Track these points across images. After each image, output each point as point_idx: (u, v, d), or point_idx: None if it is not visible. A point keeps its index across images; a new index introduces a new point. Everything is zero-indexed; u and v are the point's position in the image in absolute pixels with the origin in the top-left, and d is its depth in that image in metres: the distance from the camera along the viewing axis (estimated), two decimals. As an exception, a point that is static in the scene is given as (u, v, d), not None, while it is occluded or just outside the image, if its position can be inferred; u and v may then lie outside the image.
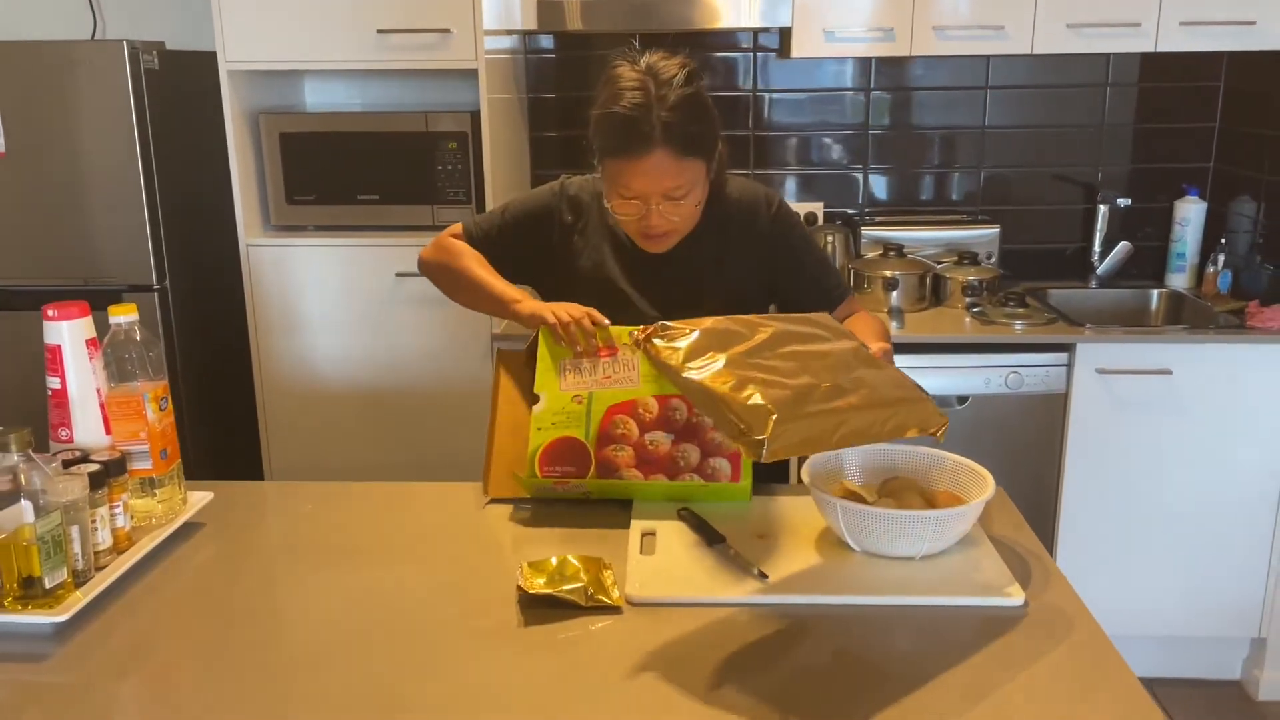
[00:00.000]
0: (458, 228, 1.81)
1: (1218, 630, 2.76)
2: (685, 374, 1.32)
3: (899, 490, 1.50)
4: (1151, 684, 2.84)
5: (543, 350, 1.60)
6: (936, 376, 2.61)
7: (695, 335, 1.38)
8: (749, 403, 1.25)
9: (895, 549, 1.41)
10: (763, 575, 1.37)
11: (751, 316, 1.46)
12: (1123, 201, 3.00)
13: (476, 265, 1.74)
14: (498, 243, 1.77)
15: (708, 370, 1.32)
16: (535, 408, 1.59)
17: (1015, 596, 1.33)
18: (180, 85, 2.65)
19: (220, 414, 2.84)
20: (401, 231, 2.72)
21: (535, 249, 1.77)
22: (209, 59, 2.60)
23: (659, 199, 1.59)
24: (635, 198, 1.60)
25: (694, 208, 1.63)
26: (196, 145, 2.71)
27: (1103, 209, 3.05)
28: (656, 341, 1.39)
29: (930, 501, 1.47)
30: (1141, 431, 2.62)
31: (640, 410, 1.59)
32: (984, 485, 1.47)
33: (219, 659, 1.23)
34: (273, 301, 2.70)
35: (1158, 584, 2.72)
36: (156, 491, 1.50)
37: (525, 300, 1.66)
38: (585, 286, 1.71)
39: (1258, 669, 2.77)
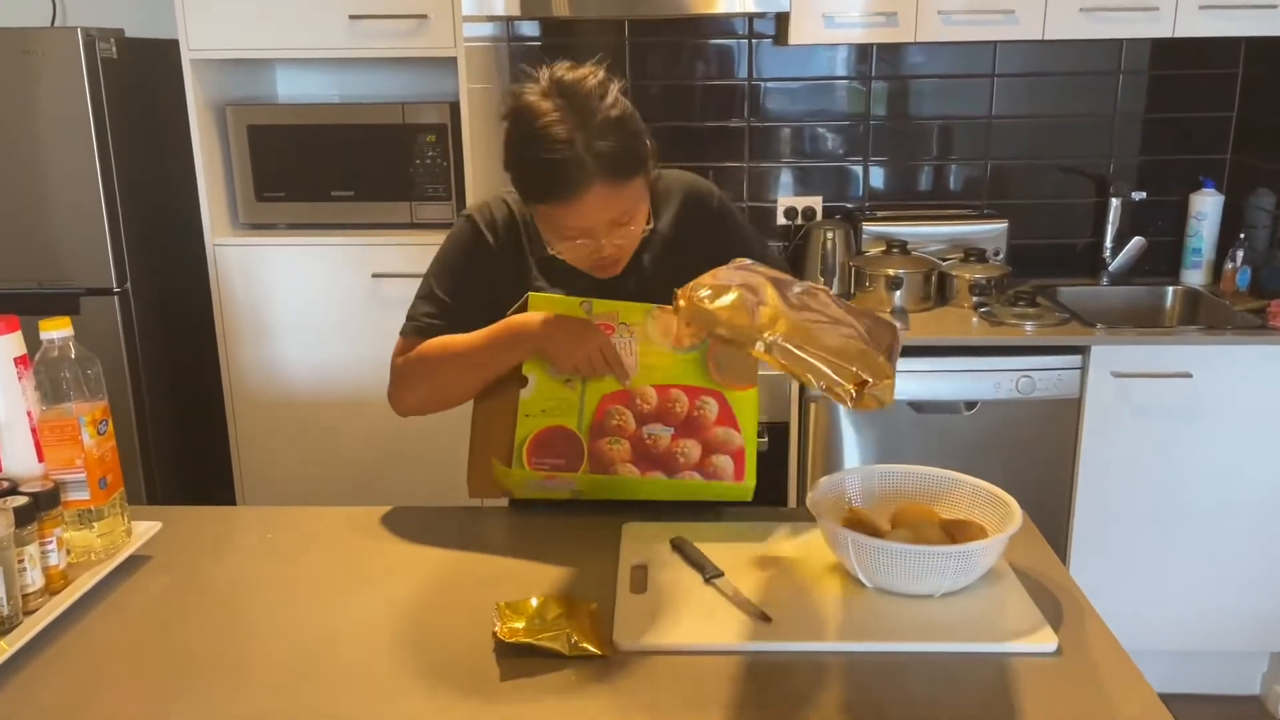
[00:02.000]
0: (399, 344, 1.57)
1: (1237, 644, 2.64)
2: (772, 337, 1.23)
3: (914, 519, 1.36)
4: (1168, 700, 2.70)
5: None
6: (943, 381, 2.48)
7: (734, 295, 1.27)
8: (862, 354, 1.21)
9: (913, 587, 1.27)
10: (765, 617, 1.23)
11: (734, 266, 1.36)
12: (1137, 195, 2.86)
13: (445, 341, 1.52)
14: (453, 313, 1.54)
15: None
16: (523, 391, 1.45)
17: (1047, 641, 1.20)
18: (141, 76, 2.50)
19: (187, 425, 2.69)
20: (378, 230, 2.57)
21: (489, 289, 1.54)
22: (171, 47, 2.45)
23: (605, 232, 1.42)
24: (581, 238, 1.43)
25: (640, 228, 1.48)
26: (159, 139, 2.56)
27: (1115, 203, 2.91)
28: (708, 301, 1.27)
29: (949, 532, 1.34)
30: (1159, 438, 2.49)
31: (638, 401, 1.46)
32: (1009, 514, 1.33)
33: (160, 716, 1.09)
34: (241, 305, 2.55)
35: (1175, 596, 2.60)
36: (95, 524, 1.36)
37: (531, 319, 1.47)
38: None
39: (1278, 684, 2.65)
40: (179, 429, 2.66)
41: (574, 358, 1.44)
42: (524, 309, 1.47)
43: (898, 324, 1.35)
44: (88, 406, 1.35)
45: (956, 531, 1.33)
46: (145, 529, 1.45)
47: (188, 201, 2.51)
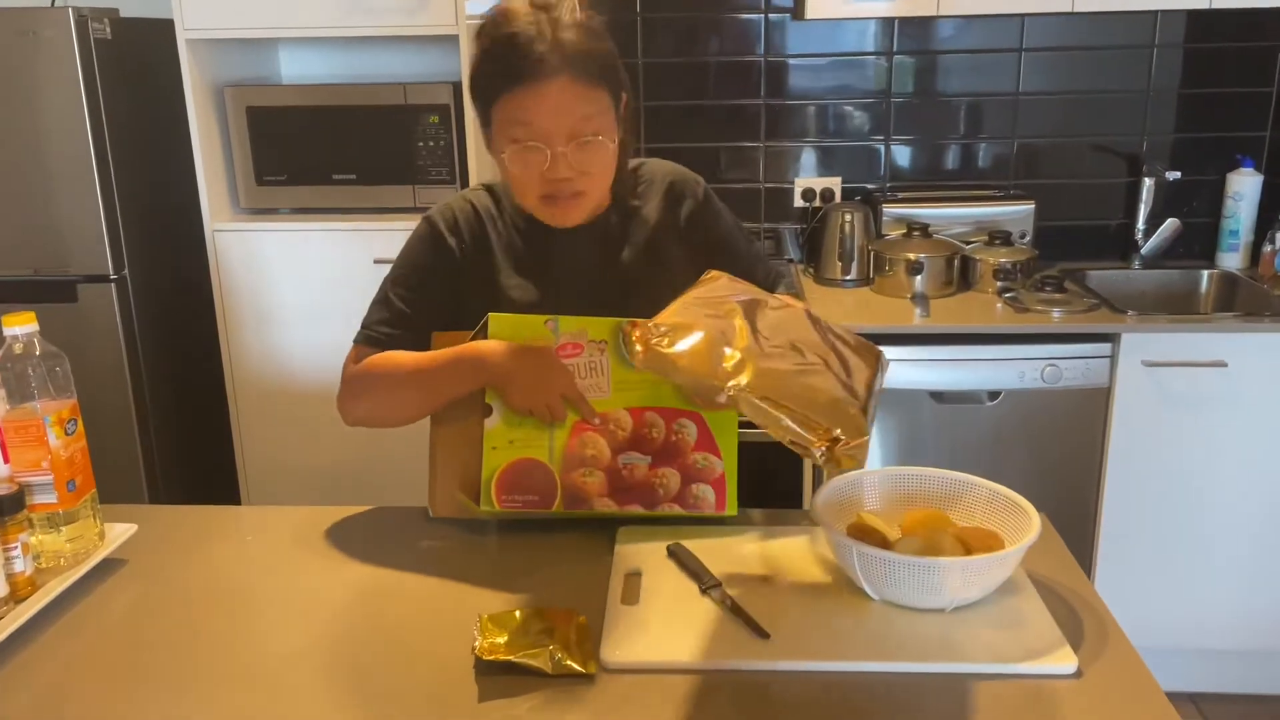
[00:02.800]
0: (351, 352, 1.49)
1: (1270, 643, 2.53)
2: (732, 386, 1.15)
3: (926, 526, 1.28)
4: (1198, 699, 2.62)
5: None
6: (965, 370, 2.38)
7: (698, 337, 1.19)
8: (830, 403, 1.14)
9: (922, 601, 1.19)
10: (762, 633, 1.16)
11: (704, 291, 1.28)
12: (1171, 175, 2.73)
13: (399, 359, 1.43)
14: (409, 322, 1.46)
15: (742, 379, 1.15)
16: (487, 421, 1.35)
17: (1066, 662, 1.11)
18: (136, 57, 2.44)
19: (189, 414, 2.64)
20: (381, 214, 2.50)
21: (451, 296, 1.46)
22: (166, 27, 2.38)
23: (564, 140, 1.33)
24: (535, 141, 1.33)
25: (605, 161, 1.38)
26: (157, 122, 2.50)
27: (1148, 182, 2.79)
28: (663, 348, 1.18)
29: (963, 541, 1.25)
30: (1192, 430, 2.38)
31: (612, 427, 1.37)
32: (1026, 521, 1.24)
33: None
34: (242, 291, 2.49)
35: (1207, 595, 2.49)
36: (64, 529, 1.30)
37: (491, 351, 1.36)
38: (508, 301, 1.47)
39: (1315, 685, 2.55)
40: (180, 418, 2.61)
41: (531, 403, 1.34)
42: (485, 333, 1.36)
43: (882, 352, 1.28)
44: (54, 405, 1.29)
45: (971, 540, 1.25)
46: (120, 532, 1.39)
47: (187, 186, 2.45)
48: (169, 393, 2.56)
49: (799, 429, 1.09)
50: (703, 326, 1.20)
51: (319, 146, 2.48)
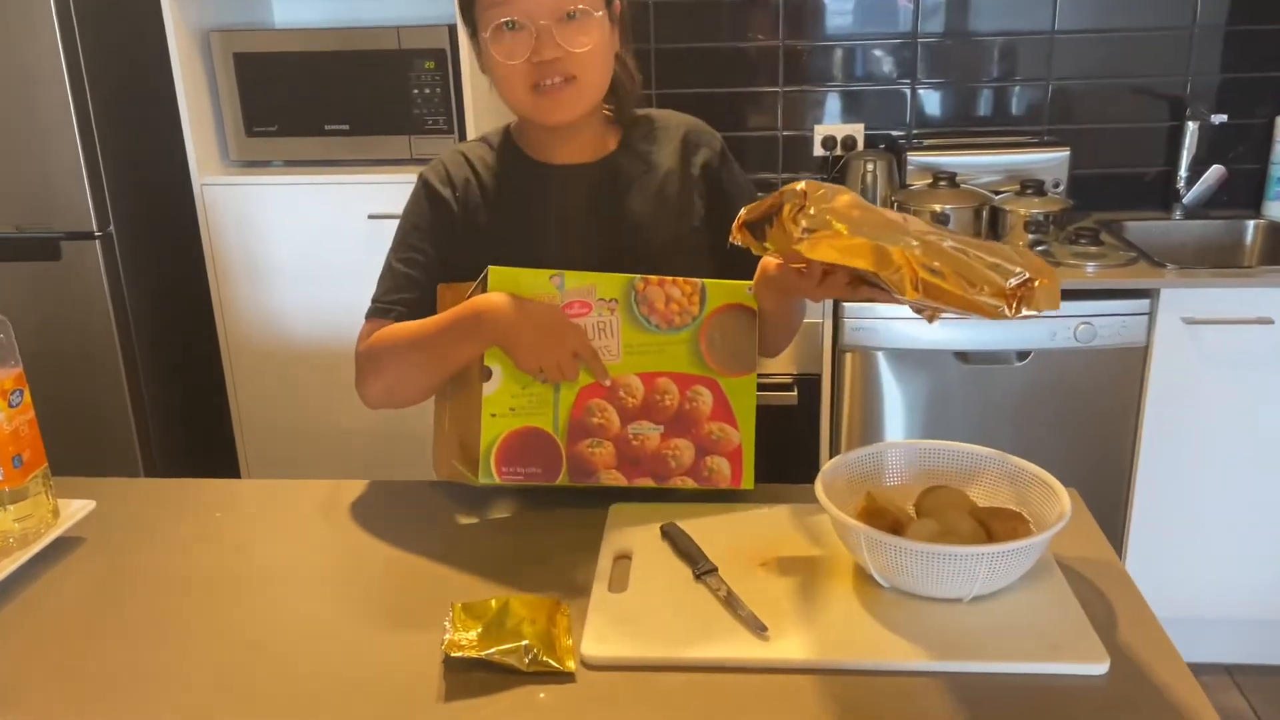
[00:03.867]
0: (362, 329, 1.39)
1: (1314, 614, 2.41)
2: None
3: (942, 507, 1.16)
4: (1233, 670, 2.51)
5: None
6: (993, 329, 2.24)
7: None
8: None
9: (936, 590, 1.08)
10: (761, 628, 1.05)
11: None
12: (1216, 118, 2.56)
13: (404, 327, 1.33)
14: (416, 283, 1.37)
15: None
16: (486, 385, 1.23)
17: (1097, 661, 1.00)
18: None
19: (181, 375, 2.55)
20: (376, 166, 2.38)
21: (455, 254, 1.36)
22: (146, -32, 2.25)
23: (549, 14, 1.24)
24: (520, 21, 1.24)
25: (596, 39, 1.27)
26: (139, 70, 2.38)
27: (1191, 126, 2.61)
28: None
29: (983, 523, 1.13)
30: (1234, 390, 2.24)
31: (621, 394, 1.26)
32: (1054, 501, 1.12)
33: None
34: (234, 247, 2.39)
35: (1245, 564, 2.37)
36: (10, 507, 1.21)
37: (490, 306, 1.23)
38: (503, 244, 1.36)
39: (1360, 658, 2.43)
40: (173, 379, 2.52)
41: (541, 360, 1.22)
42: (485, 287, 1.24)
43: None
44: (-3, 375, 1.19)
45: (992, 523, 1.13)
46: (76, 509, 1.30)
47: (174, 138, 2.34)
48: (160, 353, 2.47)
49: (994, 273, 1.02)
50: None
51: (310, 95, 2.36)
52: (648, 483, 1.28)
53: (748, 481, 1.30)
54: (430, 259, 1.37)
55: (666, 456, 1.28)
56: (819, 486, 1.13)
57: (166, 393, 2.49)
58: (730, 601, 1.09)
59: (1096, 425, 2.30)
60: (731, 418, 1.29)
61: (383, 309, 1.37)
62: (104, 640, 1.11)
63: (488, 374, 1.23)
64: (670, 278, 1.25)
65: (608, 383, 1.25)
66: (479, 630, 1.05)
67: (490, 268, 1.23)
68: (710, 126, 1.46)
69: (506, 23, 1.25)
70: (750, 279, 1.30)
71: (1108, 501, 2.35)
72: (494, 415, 1.24)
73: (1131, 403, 2.28)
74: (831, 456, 2.36)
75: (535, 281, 1.23)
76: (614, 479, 1.27)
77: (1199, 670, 2.48)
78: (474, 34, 1.32)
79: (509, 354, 1.23)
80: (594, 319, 1.24)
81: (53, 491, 1.28)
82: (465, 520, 1.32)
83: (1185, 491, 2.32)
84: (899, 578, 1.09)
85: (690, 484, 1.29)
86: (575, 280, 1.24)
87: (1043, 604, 1.08)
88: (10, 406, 1.20)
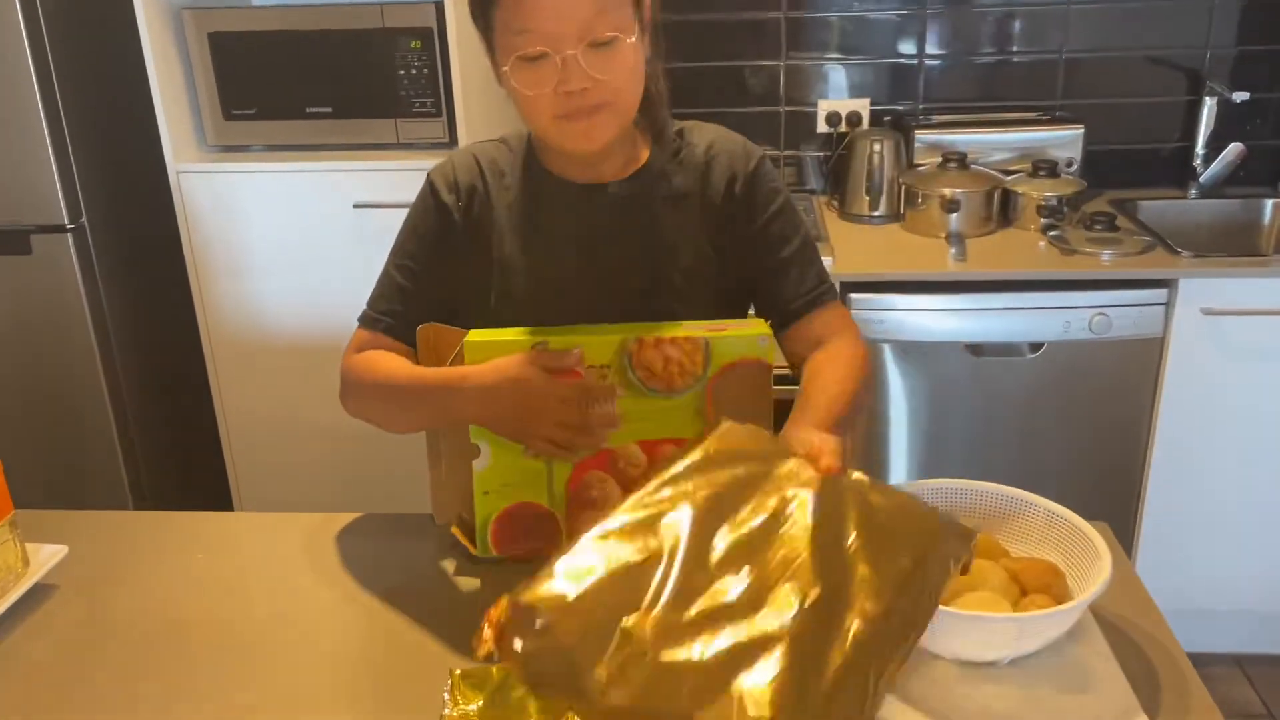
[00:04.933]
0: (354, 337, 1.30)
1: (1328, 606, 2.37)
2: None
3: (975, 559, 1.09)
4: (1243, 660, 2.47)
5: None
6: (1004, 319, 2.16)
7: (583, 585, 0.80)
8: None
9: (966, 655, 1.01)
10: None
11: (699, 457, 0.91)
12: (1238, 96, 2.45)
13: (383, 364, 1.24)
14: (410, 297, 1.27)
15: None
16: (476, 463, 1.15)
17: (1142, 737, 0.93)
18: (82, -24, 2.18)
19: (162, 369, 2.46)
20: (360, 150, 2.27)
21: (455, 264, 1.27)
22: (112, -58, 2.12)
23: (575, 42, 1.10)
24: (543, 51, 1.10)
25: (627, 64, 1.14)
26: (108, 51, 2.24)
27: (1209, 102, 2.51)
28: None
29: (1017, 576, 1.06)
30: (1254, 383, 2.17)
31: (622, 464, 1.15)
32: (1091, 551, 1.05)
33: None
34: (213, 238, 2.29)
35: (1258, 556, 2.32)
36: (-24, 562, 1.14)
37: (470, 373, 1.14)
38: (510, 273, 1.26)
39: (1372, 649, 2.39)
40: (153, 374, 2.42)
41: (523, 439, 1.13)
42: (462, 358, 1.14)
43: (975, 533, 0.92)
44: (-45, 422, 1.10)
45: (1026, 576, 1.06)
46: (48, 555, 1.22)
47: (147, 124, 2.22)
48: (139, 349, 2.37)
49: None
50: (611, 563, 0.81)
51: (290, 77, 2.23)
52: None
53: None
54: (426, 269, 1.27)
55: None
56: (842, 541, 1.05)
57: (147, 389, 2.40)
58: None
59: (1110, 418, 2.23)
60: None
61: (372, 319, 1.29)
62: (79, 698, 1.04)
63: (476, 451, 1.15)
64: (669, 335, 1.12)
65: (581, 372, 1.12)
66: (480, 703, 0.99)
67: (465, 339, 1.14)
68: (748, 143, 1.30)
69: (530, 54, 1.11)
70: (763, 314, 1.21)
71: (1120, 496, 2.29)
72: (486, 493, 1.17)
73: (1147, 395, 2.20)
74: (838, 453, 2.30)
75: (515, 350, 1.12)
76: None
77: (1209, 660, 2.48)
78: (489, 46, 1.18)
79: (490, 431, 1.14)
80: (588, 383, 1.12)
81: (20, 538, 1.19)
82: (462, 568, 1.24)
83: (1199, 485, 2.26)
84: (929, 641, 1.02)
85: None
86: (560, 345, 1.11)
87: (1083, 668, 1.02)
88: (-29, 455, 1.12)
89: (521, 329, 1.16)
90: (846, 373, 1.17)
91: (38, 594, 1.19)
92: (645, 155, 1.27)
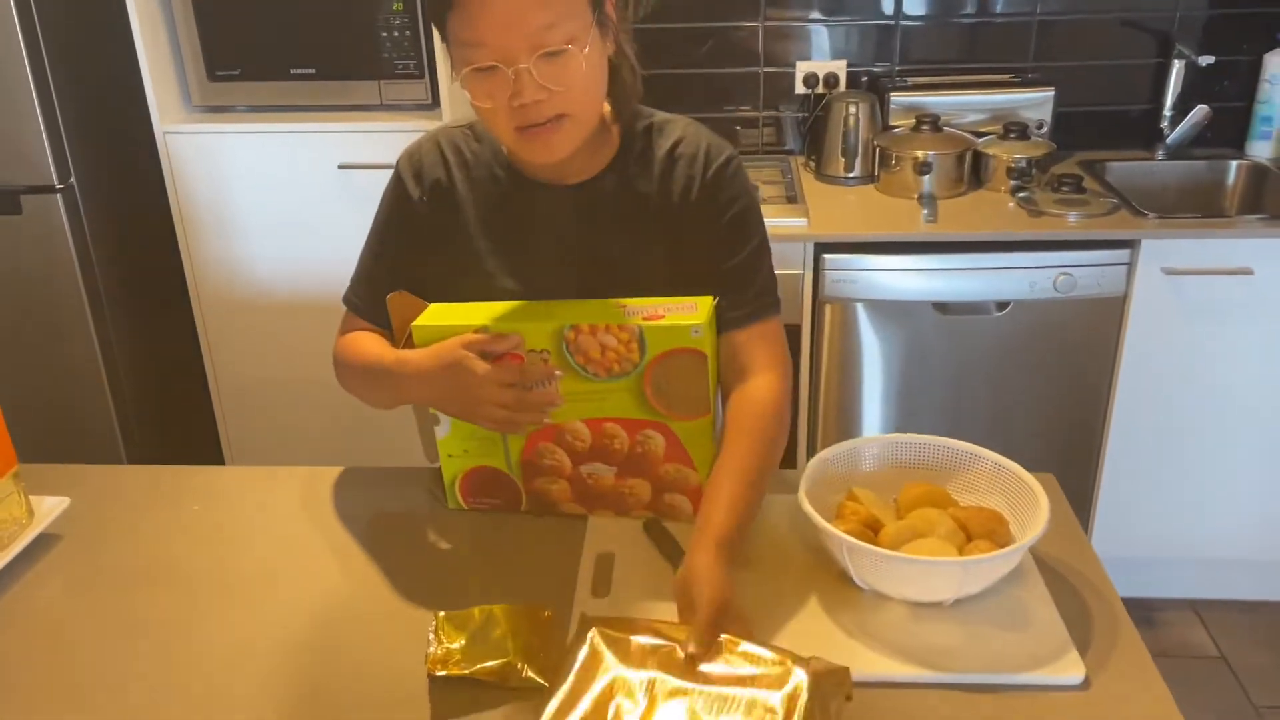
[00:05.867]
0: (343, 318, 1.36)
1: (1275, 554, 2.47)
2: None
3: (921, 507, 1.17)
4: (1198, 605, 2.58)
5: None
6: (972, 279, 2.23)
7: None
8: None
9: (913, 596, 1.09)
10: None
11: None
12: (1204, 60, 2.51)
13: (359, 345, 1.29)
14: (377, 284, 1.31)
15: None
16: (438, 430, 1.23)
17: (1072, 672, 1.02)
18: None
19: (153, 327, 2.51)
20: (344, 112, 2.31)
21: (419, 252, 1.30)
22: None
23: (527, 54, 1.09)
24: (494, 63, 1.10)
25: (584, 74, 1.12)
26: (95, 13, 2.27)
27: (1176, 64, 2.56)
28: None
29: (963, 524, 1.14)
30: (1212, 340, 2.25)
31: (569, 438, 1.21)
32: (1033, 502, 1.13)
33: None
34: (200, 199, 2.33)
35: (1213, 507, 2.41)
36: (-17, 513, 1.20)
37: (411, 359, 1.20)
38: (458, 268, 1.29)
39: (1320, 594, 2.50)
40: (143, 332, 2.47)
41: (466, 416, 1.19)
42: (412, 342, 1.19)
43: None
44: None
45: (971, 524, 1.14)
46: (51, 506, 1.28)
47: (134, 84, 2.25)
48: (130, 307, 2.42)
49: None
50: None
51: (274, 37, 2.26)
52: (608, 514, 1.27)
53: None
54: (396, 254, 1.31)
55: (624, 494, 1.25)
56: (801, 493, 1.13)
57: (137, 346, 2.45)
58: (712, 607, 1.10)
59: (1073, 374, 2.32)
60: (688, 460, 1.22)
61: (351, 301, 1.35)
62: (84, 640, 1.11)
63: (437, 420, 1.22)
64: (604, 324, 1.14)
65: (547, 421, 1.19)
66: (463, 641, 1.06)
67: (414, 325, 1.18)
68: (716, 143, 1.27)
69: (481, 66, 1.11)
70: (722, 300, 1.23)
71: (1082, 447, 2.38)
72: (450, 456, 1.25)
73: (1109, 352, 2.28)
74: (811, 409, 2.38)
75: (460, 334, 1.16)
76: (575, 510, 1.27)
77: (1165, 606, 2.59)
78: (449, 54, 1.17)
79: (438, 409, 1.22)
80: (531, 366, 1.17)
81: (25, 490, 1.26)
82: (447, 516, 1.31)
83: (1157, 438, 2.35)
84: (878, 583, 1.10)
85: (651, 515, 1.26)
86: (500, 330, 1.15)
87: (1021, 609, 1.10)
88: (-23, 412, 1.18)
89: (469, 313, 1.19)
90: (744, 482, 1.15)
91: (42, 543, 1.26)
92: (616, 145, 1.27)
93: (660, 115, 1.30)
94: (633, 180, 1.26)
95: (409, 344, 1.21)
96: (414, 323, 1.18)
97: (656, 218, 1.26)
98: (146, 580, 1.21)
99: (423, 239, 1.29)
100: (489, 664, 1.03)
